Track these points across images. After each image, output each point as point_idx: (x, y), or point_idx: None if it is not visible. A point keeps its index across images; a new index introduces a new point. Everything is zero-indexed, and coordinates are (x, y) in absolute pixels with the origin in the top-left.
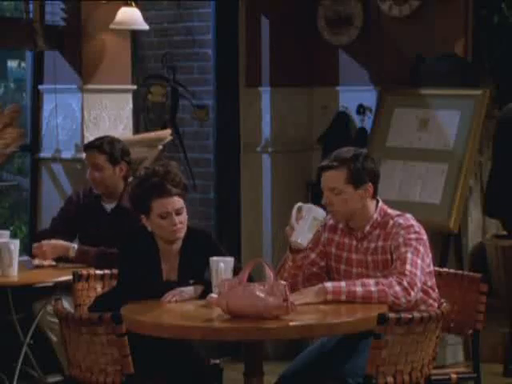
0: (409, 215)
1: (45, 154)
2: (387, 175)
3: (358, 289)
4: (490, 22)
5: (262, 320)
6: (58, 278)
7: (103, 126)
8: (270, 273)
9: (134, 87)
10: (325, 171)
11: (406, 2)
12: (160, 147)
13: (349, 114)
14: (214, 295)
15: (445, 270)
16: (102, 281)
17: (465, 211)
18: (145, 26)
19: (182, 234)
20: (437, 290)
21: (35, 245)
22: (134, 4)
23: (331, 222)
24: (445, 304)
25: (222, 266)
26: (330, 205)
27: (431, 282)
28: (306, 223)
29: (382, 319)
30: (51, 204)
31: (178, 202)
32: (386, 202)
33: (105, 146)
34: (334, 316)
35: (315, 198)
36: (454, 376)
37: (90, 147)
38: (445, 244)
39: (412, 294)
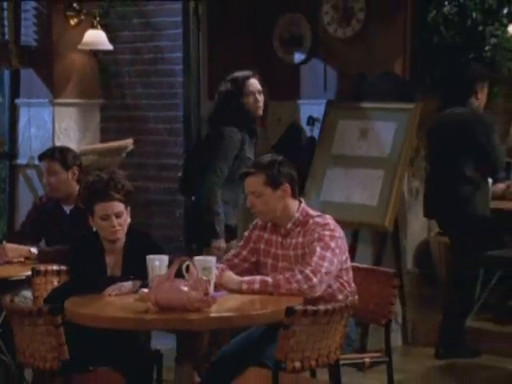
0: (328, 216)
1: (21, 160)
2: (332, 180)
3: (269, 279)
4: (430, 42)
5: (186, 312)
6: (20, 273)
7: (73, 136)
8: (193, 269)
9: (101, 101)
10: (246, 177)
11: (349, 25)
12: (124, 155)
13: (300, 124)
14: (145, 290)
15: (364, 266)
16: (59, 276)
17: (404, 212)
18: (109, 47)
19: (120, 234)
20: (353, 285)
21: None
22: (99, 27)
23: (260, 221)
24: (350, 298)
25: (156, 263)
26: (254, 206)
27: (347, 277)
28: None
29: (289, 312)
30: (28, 205)
31: (118, 206)
32: (330, 203)
33: (56, 154)
34: (251, 308)
35: None
36: (367, 360)
37: (44, 156)
38: (382, 241)
39: (314, 279)
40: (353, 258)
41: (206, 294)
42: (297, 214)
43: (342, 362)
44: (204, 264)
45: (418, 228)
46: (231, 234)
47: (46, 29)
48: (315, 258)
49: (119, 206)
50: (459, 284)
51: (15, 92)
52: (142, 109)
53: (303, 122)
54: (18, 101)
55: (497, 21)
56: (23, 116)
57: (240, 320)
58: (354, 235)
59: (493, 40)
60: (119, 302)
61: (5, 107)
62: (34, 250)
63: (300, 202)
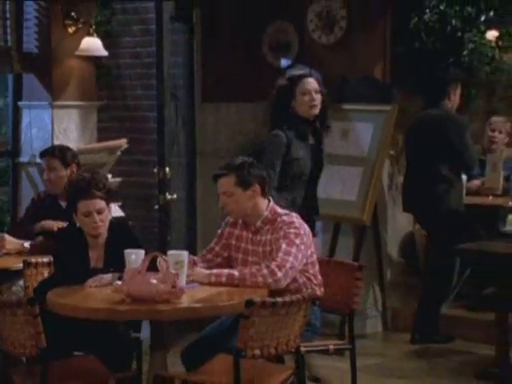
0: (294, 214)
1: (23, 159)
2: None
3: (235, 272)
4: (412, 47)
5: (156, 303)
6: (17, 264)
7: (71, 136)
8: (163, 264)
9: (99, 103)
10: (218, 178)
11: (332, 32)
12: (118, 153)
13: None
14: (118, 282)
15: (332, 259)
16: (49, 267)
17: (384, 206)
18: (104, 53)
19: (102, 230)
20: (319, 277)
21: None
22: (95, 34)
23: (232, 218)
24: (310, 291)
25: (133, 257)
26: (226, 205)
27: (313, 270)
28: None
29: (248, 303)
30: (29, 200)
31: (99, 203)
32: None
33: (56, 152)
34: (219, 300)
35: None
36: (331, 347)
37: (45, 153)
38: (360, 234)
39: (279, 274)
40: (334, 250)
41: (174, 286)
42: (266, 213)
43: (307, 349)
44: (176, 258)
45: (404, 221)
46: None
47: (45, 36)
48: (281, 254)
49: (100, 203)
50: (435, 274)
51: (18, 95)
52: (142, 109)
53: None
54: (20, 103)
55: (475, 27)
56: (25, 117)
57: (207, 311)
58: (336, 228)
59: (470, 45)
60: (98, 293)
61: (8, 109)
62: (26, 244)
63: (269, 201)
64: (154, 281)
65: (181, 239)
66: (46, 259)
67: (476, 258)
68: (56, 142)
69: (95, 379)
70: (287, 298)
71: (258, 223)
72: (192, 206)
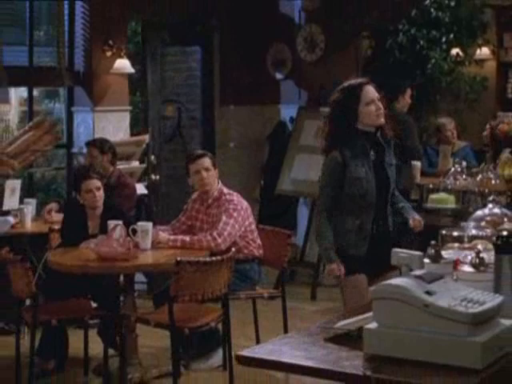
0: (235, 193)
1: (74, 149)
2: (299, 163)
3: (187, 238)
4: (387, 63)
5: (118, 261)
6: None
7: (108, 134)
8: (123, 233)
9: (130, 107)
10: (202, 157)
11: (313, 52)
12: (144, 146)
13: (285, 122)
14: (92, 245)
15: (268, 227)
16: None
17: None
18: (131, 70)
19: (99, 203)
20: (258, 241)
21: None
22: (125, 57)
23: (195, 195)
24: (231, 254)
25: (111, 226)
26: (205, 178)
27: (252, 236)
28: (140, 236)
29: (177, 262)
30: None
31: (96, 182)
32: (297, 181)
33: (97, 143)
34: (164, 259)
35: (265, 175)
36: (265, 295)
37: (89, 143)
38: None
39: (218, 240)
40: (311, 220)
41: (129, 249)
42: (216, 192)
43: (243, 296)
44: (142, 227)
45: None
46: (354, 264)
47: (89, 58)
48: (221, 224)
49: (97, 183)
50: None
51: (71, 102)
52: None
53: (287, 120)
54: (72, 108)
55: (438, 46)
56: (75, 119)
57: (151, 266)
58: (312, 204)
59: (433, 60)
60: (85, 253)
61: (63, 113)
62: None
63: (218, 183)
64: (115, 244)
65: None
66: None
67: None
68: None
69: (77, 314)
70: (208, 259)
71: (210, 200)
72: None
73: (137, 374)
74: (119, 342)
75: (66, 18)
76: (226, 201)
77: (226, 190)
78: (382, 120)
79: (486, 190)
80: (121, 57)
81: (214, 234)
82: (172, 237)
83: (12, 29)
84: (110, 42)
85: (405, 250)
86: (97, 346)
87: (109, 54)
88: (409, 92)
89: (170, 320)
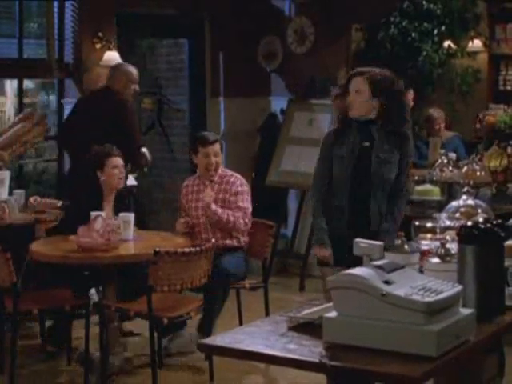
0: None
1: None
2: (289, 154)
3: (230, 217)
4: (378, 55)
5: (98, 252)
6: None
7: None
8: (103, 223)
9: None
10: (211, 144)
11: (304, 44)
12: None
13: (276, 114)
14: (72, 236)
15: (253, 219)
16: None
17: None
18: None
19: (122, 181)
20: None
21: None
22: (114, 49)
23: (189, 181)
24: (210, 244)
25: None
26: (216, 163)
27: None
28: (122, 226)
29: (155, 253)
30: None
31: (120, 160)
32: (287, 172)
33: None
34: (143, 250)
35: (257, 165)
36: (247, 285)
37: None
38: None
39: (249, 225)
40: (300, 212)
41: (108, 240)
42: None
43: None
44: (124, 218)
45: None
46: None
47: (78, 51)
48: (244, 205)
49: (121, 161)
50: None
51: (61, 94)
52: None
53: (277, 112)
54: (63, 100)
55: (430, 39)
56: (66, 110)
57: (131, 258)
58: (302, 195)
59: (424, 52)
60: (66, 243)
61: (54, 104)
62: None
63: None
64: (95, 235)
65: None
66: None
67: None
68: None
69: (55, 302)
70: (186, 250)
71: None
72: None
73: (118, 363)
74: (100, 331)
75: (56, 10)
76: (233, 183)
77: (229, 172)
78: (353, 111)
79: (471, 182)
80: (110, 49)
81: (246, 220)
82: (220, 210)
83: (2, 21)
84: (100, 35)
85: (366, 240)
86: (81, 336)
87: (98, 46)
88: (410, 94)
89: (149, 309)
